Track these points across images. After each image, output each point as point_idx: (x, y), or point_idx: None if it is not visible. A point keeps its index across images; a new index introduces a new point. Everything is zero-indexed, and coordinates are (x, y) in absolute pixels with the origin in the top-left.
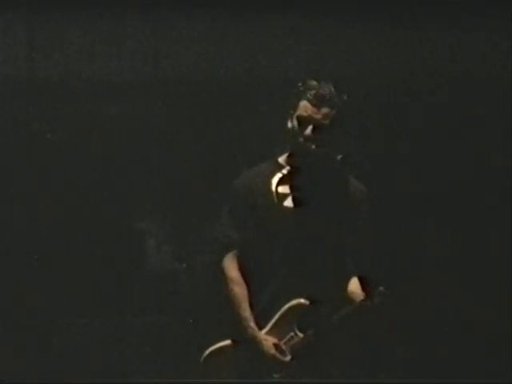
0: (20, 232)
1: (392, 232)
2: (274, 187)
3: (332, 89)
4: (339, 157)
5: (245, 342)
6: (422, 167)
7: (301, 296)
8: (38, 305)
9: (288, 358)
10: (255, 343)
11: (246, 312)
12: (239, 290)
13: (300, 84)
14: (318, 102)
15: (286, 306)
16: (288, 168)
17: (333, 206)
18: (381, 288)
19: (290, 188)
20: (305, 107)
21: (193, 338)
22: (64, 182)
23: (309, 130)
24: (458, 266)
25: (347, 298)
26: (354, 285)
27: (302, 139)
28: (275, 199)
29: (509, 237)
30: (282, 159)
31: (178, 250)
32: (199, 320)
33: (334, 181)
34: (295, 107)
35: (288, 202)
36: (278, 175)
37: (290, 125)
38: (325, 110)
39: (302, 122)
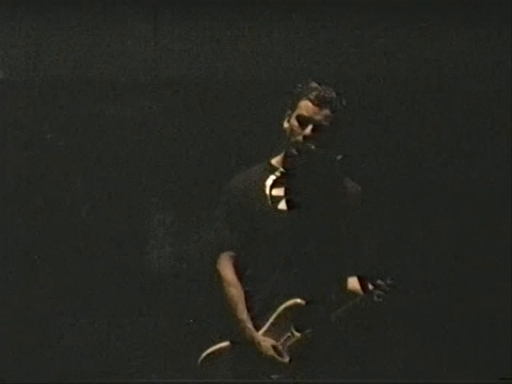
0: (20, 232)
1: (389, 232)
2: (267, 190)
3: (333, 93)
4: (339, 157)
5: (243, 343)
6: (421, 168)
7: (297, 296)
8: (39, 305)
9: (286, 359)
10: (253, 345)
11: (243, 314)
12: (235, 291)
13: (300, 85)
14: (319, 103)
15: (283, 306)
16: (281, 170)
17: (327, 206)
18: (380, 284)
19: (284, 190)
20: (306, 107)
21: (192, 339)
22: (64, 182)
23: (308, 130)
24: (457, 264)
25: (347, 297)
26: (352, 283)
27: (300, 138)
28: (269, 202)
29: (509, 237)
30: (275, 161)
31: (177, 250)
32: (199, 320)
33: (329, 182)
34: (293, 107)
35: (282, 205)
36: (272, 177)
37: (286, 125)
38: (326, 112)
39: (302, 121)
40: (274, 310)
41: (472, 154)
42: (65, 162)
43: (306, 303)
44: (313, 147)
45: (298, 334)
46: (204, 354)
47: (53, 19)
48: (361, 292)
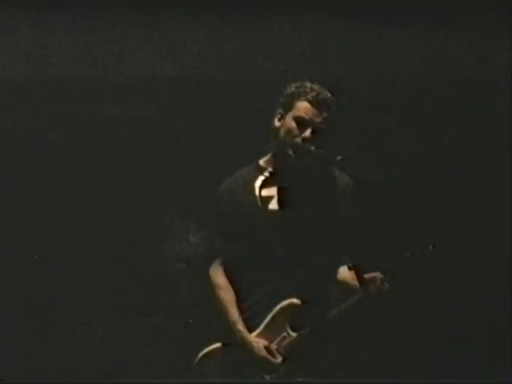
0: (20, 232)
1: (384, 230)
2: (257, 191)
3: (329, 93)
4: (338, 158)
5: (236, 344)
6: (418, 168)
7: (292, 296)
8: (38, 305)
9: (279, 359)
10: (246, 346)
11: (235, 316)
12: (226, 295)
13: (294, 84)
14: (319, 105)
15: (278, 307)
16: (270, 170)
17: (320, 205)
18: (377, 276)
19: (277, 190)
20: (305, 108)
21: (192, 339)
22: (64, 183)
23: (308, 133)
24: (455, 260)
25: (343, 296)
26: (346, 274)
27: (299, 140)
28: (259, 202)
29: (509, 236)
30: (263, 161)
31: (177, 251)
32: (199, 321)
33: (320, 180)
34: (288, 107)
35: (273, 205)
36: (261, 178)
37: (277, 124)
38: (325, 114)
39: (301, 123)
40: (270, 311)
41: (472, 153)
42: (65, 162)
43: (302, 303)
44: (312, 148)
45: (293, 334)
46: (199, 356)
47: (52, 19)
48: (356, 283)
